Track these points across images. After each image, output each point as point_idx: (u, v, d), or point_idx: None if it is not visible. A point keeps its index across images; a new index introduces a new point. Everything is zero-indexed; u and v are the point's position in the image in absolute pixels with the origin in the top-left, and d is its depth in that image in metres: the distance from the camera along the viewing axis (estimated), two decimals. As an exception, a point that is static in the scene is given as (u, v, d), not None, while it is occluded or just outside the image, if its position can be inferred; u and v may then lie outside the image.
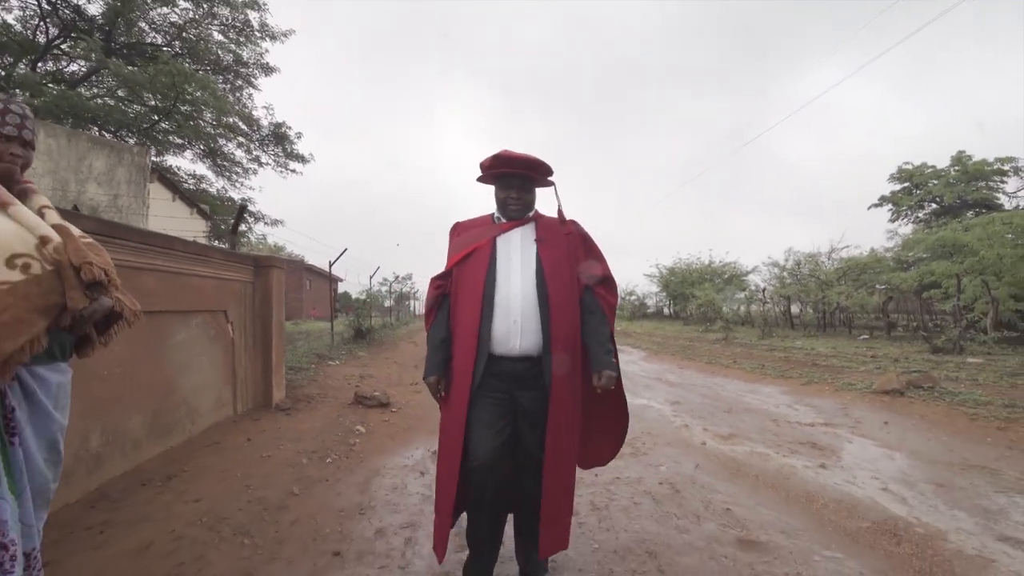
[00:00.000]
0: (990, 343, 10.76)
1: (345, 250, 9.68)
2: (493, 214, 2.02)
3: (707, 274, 27.89)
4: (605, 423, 2.08)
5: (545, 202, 1.90)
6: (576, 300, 1.89)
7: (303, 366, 6.81)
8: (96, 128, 9.79)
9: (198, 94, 9.43)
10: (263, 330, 4.80)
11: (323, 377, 6.46)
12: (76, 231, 1.55)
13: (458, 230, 2.03)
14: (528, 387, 1.82)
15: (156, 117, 10.34)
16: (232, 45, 13.27)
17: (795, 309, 20.47)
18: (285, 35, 13.23)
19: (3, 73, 11.74)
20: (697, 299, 20.35)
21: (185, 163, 13.00)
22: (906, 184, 24.07)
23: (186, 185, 12.80)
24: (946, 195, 21.30)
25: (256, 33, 13.19)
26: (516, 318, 1.79)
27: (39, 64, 10.84)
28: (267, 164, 14.71)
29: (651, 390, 6.80)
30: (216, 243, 12.91)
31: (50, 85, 11.37)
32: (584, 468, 2.18)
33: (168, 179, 10.92)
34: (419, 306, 31.00)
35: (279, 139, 13.98)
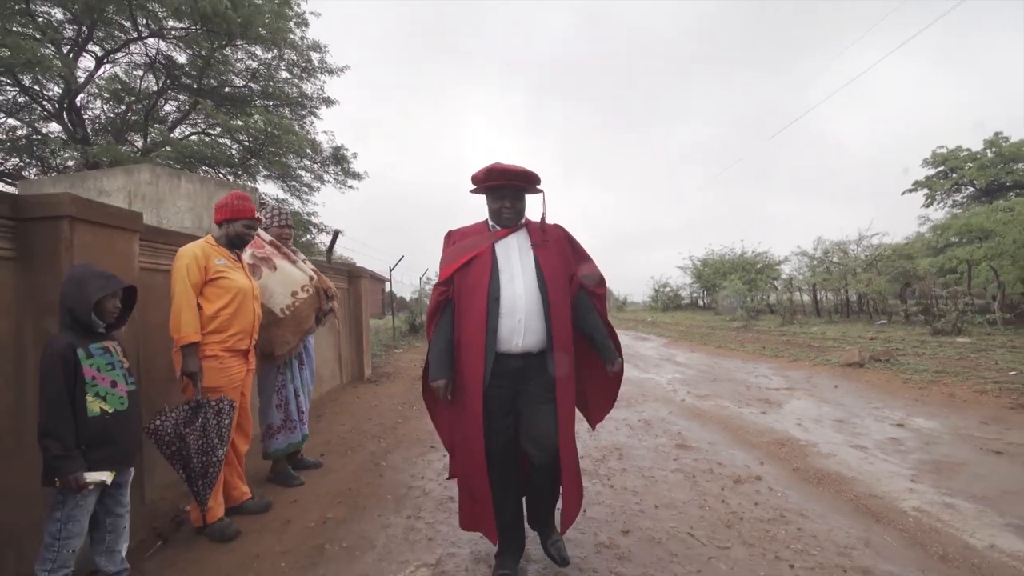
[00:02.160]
0: (998, 323, 11.49)
1: (402, 257, 11.50)
2: (487, 221, 2.12)
3: (739, 265, 28.40)
4: (605, 391, 2.32)
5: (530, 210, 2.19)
6: (569, 298, 2.03)
7: (377, 353, 8.62)
8: (203, 166, 12.10)
9: (281, 135, 11.52)
10: (356, 324, 6.56)
11: (394, 360, 8.24)
12: (318, 273, 3.23)
13: (453, 238, 2.12)
14: (529, 379, 1.95)
15: (248, 156, 12.56)
16: (296, 80, 15.36)
17: (829, 297, 21.06)
18: (341, 70, 15.19)
19: (113, 117, 14.24)
20: (724, 289, 21.26)
21: (262, 186, 15.16)
22: (941, 168, 23.96)
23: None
24: (979, 179, 21.26)
25: (317, 69, 15.20)
26: (520, 317, 1.90)
27: (151, 111, 13.17)
28: (328, 182, 16.77)
29: (658, 368, 8.21)
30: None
31: (155, 125, 13.75)
32: (593, 426, 2.49)
33: (261, 204, 13.18)
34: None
35: (338, 160, 16.00)
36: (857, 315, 18.39)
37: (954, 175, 23.45)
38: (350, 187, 16.90)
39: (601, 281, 2.17)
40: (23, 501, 2.01)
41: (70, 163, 14.43)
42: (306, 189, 15.97)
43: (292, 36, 13.74)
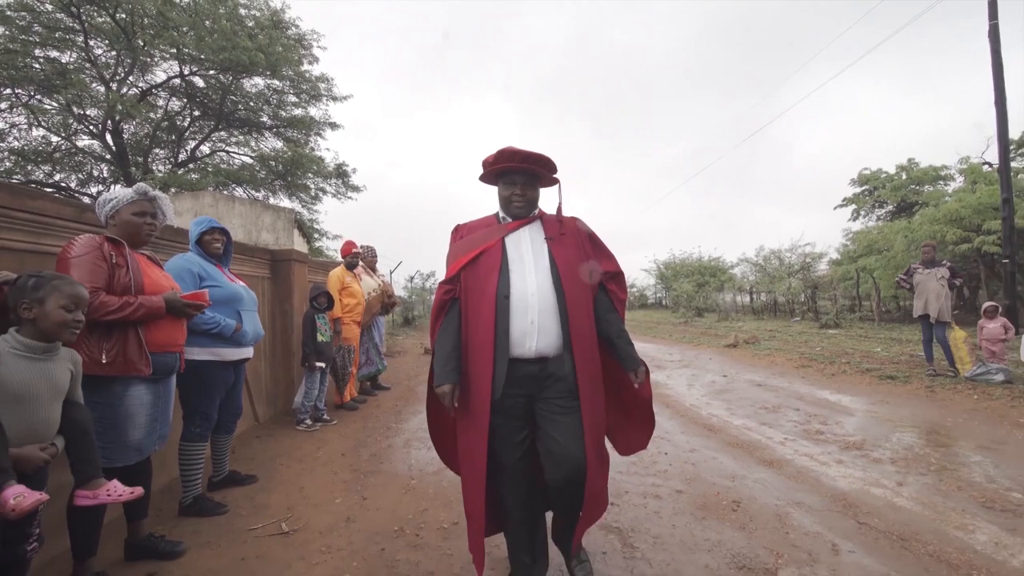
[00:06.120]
0: (875, 320, 14.67)
1: (401, 263, 14.01)
2: (497, 214, 1.98)
3: (696, 269, 31.58)
4: (639, 415, 2.11)
5: (545, 202, 1.99)
6: (590, 297, 1.87)
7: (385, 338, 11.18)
8: (237, 185, 14.48)
9: (305, 163, 13.98)
10: (377, 314, 9.14)
11: (399, 343, 10.82)
12: (387, 282, 5.84)
13: (460, 232, 1.98)
14: (545, 386, 1.78)
15: (275, 177, 14.98)
16: (303, 104, 17.69)
17: (763, 298, 24.33)
18: (345, 98, 17.58)
19: (141, 136, 16.37)
20: (675, 291, 24.31)
21: (274, 199, 17.52)
22: (865, 187, 27.50)
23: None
24: (891, 198, 24.77)
25: (323, 96, 17.56)
26: (533, 318, 1.74)
27: (183, 134, 15.39)
28: (329, 192, 19.13)
29: (599, 350, 10.97)
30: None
31: (183, 146, 15.96)
32: (626, 454, 2.21)
33: (296, 221, 15.60)
34: (442, 301, 36.11)
35: (340, 174, 18.38)
36: (784, 314, 21.63)
37: (876, 193, 27.02)
38: (349, 198, 19.30)
39: (622, 280, 2.03)
40: (278, 382, 4.61)
41: (105, 175, 16.53)
42: (311, 200, 18.32)
43: (306, 72, 16.12)
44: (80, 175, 16.91)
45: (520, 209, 1.90)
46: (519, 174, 1.87)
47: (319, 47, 16.84)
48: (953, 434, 4.11)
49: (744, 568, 2.15)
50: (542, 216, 1.98)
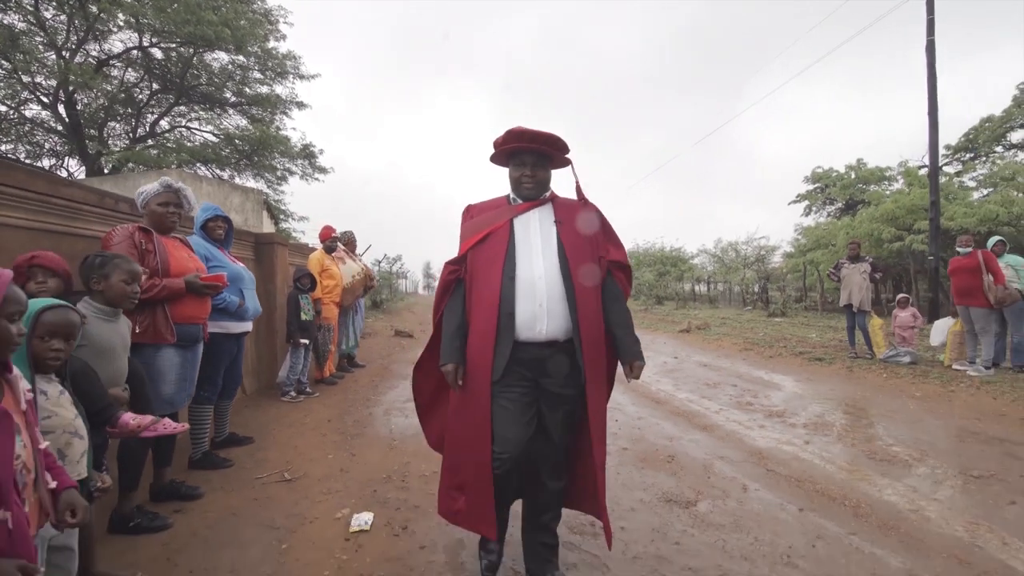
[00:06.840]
0: (818, 309, 15.80)
1: (370, 246, 14.13)
2: (508, 195, 1.96)
3: (658, 259, 32.66)
4: None
5: (561, 186, 2.15)
6: (598, 283, 1.86)
7: (356, 320, 11.42)
8: (201, 164, 14.18)
9: (273, 144, 13.85)
10: (350, 296, 9.38)
11: (370, 325, 11.08)
12: (368, 265, 6.16)
13: (471, 212, 1.97)
14: (554, 372, 1.77)
15: (241, 157, 14.74)
16: (268, 82, 17.35)
17: (720, 288, 25.58)
18: (312, 77, 17.34)
19: (95, 108, 15.74)
20: (637, 279, 25.26)
21: (239, 179, 17.11)
22: (818, 184, 29.05)
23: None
24: (840, 196, 26.31)
25: (289, 74, 17.27)
26: (542, 301, 1.74)
27: (142, 108, 14.90)
28: (296, 173, 18.91)
29: (563, 334, 11.56)
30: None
31: (142, 119, 15.48)
32: None
33: (264, 202, 15.37)
34: (408, 285, 36.16)
35: (307, 155, 18.20)
36: (738, 303, 22.86)
37: (827, 191, 28.62)
38: (316, 179, 19.13)
39: (629, 273, 2.03)
40: (262, 358, 4.90)
41: (59, 148, 15.86)
42: (277, 180, 18.08)
43: (272, 49, 15.82)
44: (29, 146, 16.18)
45: (530, 191, 1.88)
46: (529, 154, 1.85)
47: (286, 23, 16.55)
48: (860, 405, 4.81)
49: (670, 501, 2.68)
50: (554, 199, 1.95)
